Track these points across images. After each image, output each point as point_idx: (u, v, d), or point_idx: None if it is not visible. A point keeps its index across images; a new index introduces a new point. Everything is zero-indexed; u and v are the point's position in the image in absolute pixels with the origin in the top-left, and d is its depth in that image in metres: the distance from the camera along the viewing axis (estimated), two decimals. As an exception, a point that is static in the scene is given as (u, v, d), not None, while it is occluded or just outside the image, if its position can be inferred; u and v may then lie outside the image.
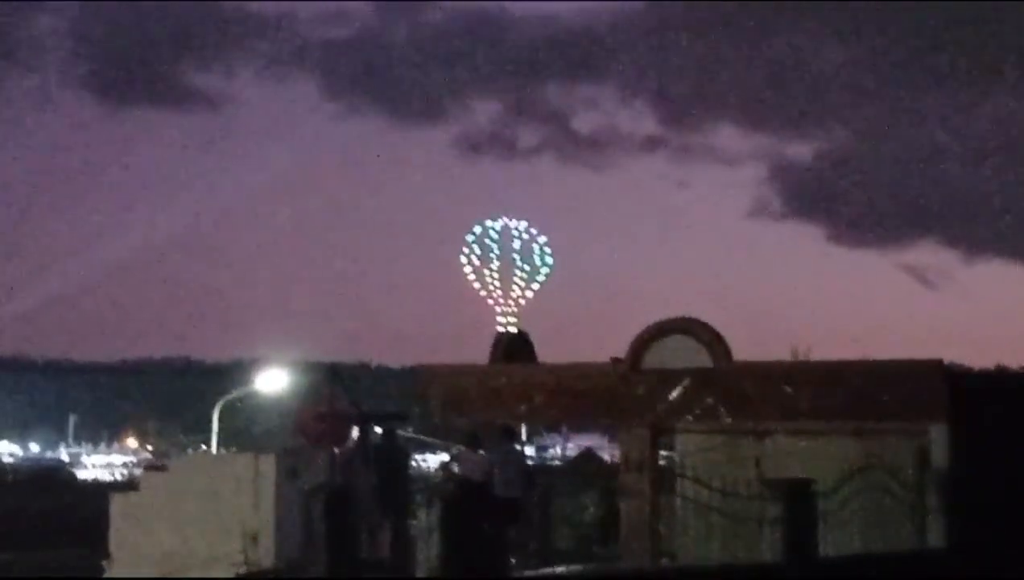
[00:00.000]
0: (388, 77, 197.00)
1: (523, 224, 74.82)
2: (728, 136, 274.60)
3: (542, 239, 74.84)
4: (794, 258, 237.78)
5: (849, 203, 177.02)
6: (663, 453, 20.45)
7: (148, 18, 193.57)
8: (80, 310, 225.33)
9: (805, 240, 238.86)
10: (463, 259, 74.17)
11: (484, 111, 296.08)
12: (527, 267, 74.24)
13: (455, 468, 19.20)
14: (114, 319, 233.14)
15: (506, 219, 75.15)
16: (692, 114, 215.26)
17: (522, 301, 74.56)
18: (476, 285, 74.31)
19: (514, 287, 74.48)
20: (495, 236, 74.39)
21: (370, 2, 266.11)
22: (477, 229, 74.45)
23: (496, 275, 74.11)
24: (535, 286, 74.65)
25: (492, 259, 74.29)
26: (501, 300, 74.20)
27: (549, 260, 74.56)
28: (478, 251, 74.03)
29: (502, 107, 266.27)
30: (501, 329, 71.66)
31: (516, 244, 74.53)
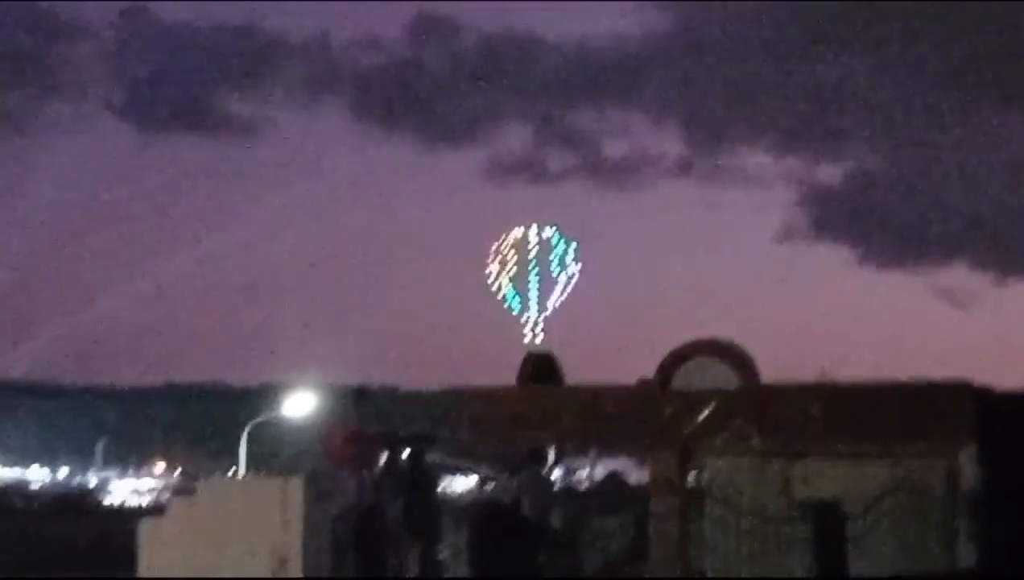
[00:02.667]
0: (420, 102, 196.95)
1: (548, 230, 74.62)
2: (758, 159, 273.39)
3: (572, 245, 74.57)
4: (824, 280, 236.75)
5: (880, 225, 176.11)
6: (692, 475, 20.39)
7: (183, 44, 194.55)
8: (109, 335, 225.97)
9: (835, 262, 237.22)
10: (490, 268, 74.08)
11: (515, 135, 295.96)
12: (555, 275, 74.02)
13: (491, 490, 19.26)
14: (142, 344, 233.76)
15: (536, 226, 74.92)
16: (722, 137, 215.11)
17: (549, 311, 74.35)
18: (502, 295, 74.17)
19: (541, 294, 74.30)
20: (524, 243, 74.21)
21: (402, 28, 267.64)
22: (504, 236, 74.33)
23: (529, 282, 73.93)
24: (564, 294, 74.40)
25: (520, 268, 74.09)
26: (529, 308, 73.99)
27: (577, 266, 74.26)
28: (506, 260, 73.91)
29: (533, 131, 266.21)
30: (527, 339, 71.64)
31: (544, 252, 74.37)
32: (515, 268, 74.26)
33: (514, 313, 74.15)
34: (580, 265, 75.38)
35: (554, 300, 74.74)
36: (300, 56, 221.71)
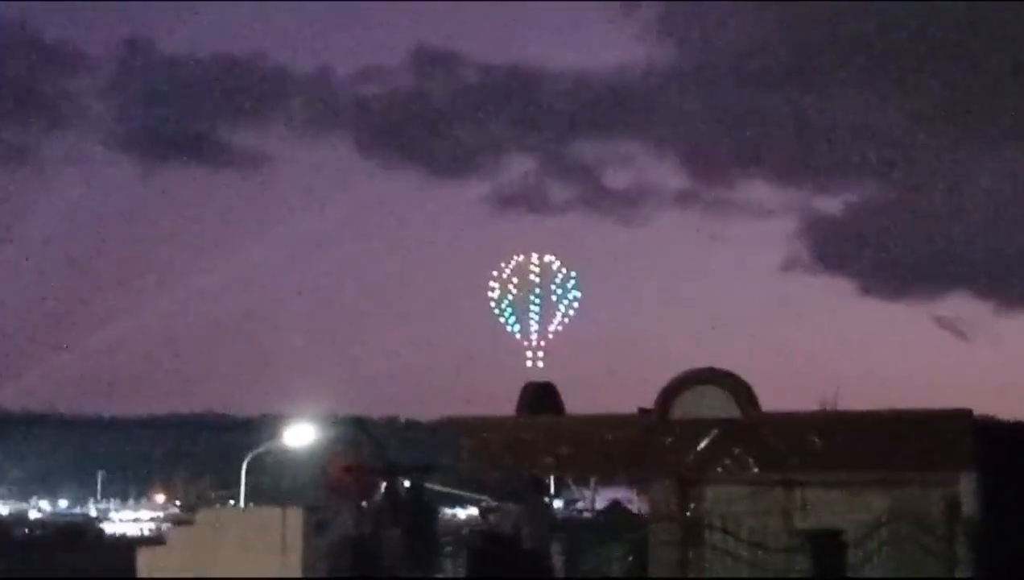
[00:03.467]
0: (422, 134, 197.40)
1: (549, 257, 74.97)
2: (760, 190, 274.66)
3: (572, 273, 74.83)
4: (826, 310, 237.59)
5: (881, 256, 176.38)
6: (691, 504, 20.37)
7: (185, 77, 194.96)
8: (109, 366, 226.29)
9: (836, 292, 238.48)
10: (492, 294, 74.21)
11: (518, 166, 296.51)
12: (556, 301, 74.18)
13: (492, 519, 19.21)
14: (143, 375, 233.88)
15: (536, 255, 75.25)
16: (723, 169, 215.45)
17: (551, 335, 74.53)
18: (503, 319, 74.30)
19: (543, 320, 74.44)
20: (525, 270, 74.39)
21: (404, 61, 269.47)
22: (506, 264, 74.57)
23: (530, 308, 74.04)
24: (564, 320, 74.59)
25: (521, 293, 74.26)
26: (531, 335, 74.10)
27: (577, 293, 74.47)
28: (508, 286, 74.09)
29: (535, 162, 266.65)
30: (528, 364, 71.69)
31: (545, 278, 74.58)
32: (516, 293, 74.55)
33: (516, 337, 74.32)
34: (580, 293, 75.73)
35: (554, 326, 74.99)
36: (303, 89, 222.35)
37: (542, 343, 74.62)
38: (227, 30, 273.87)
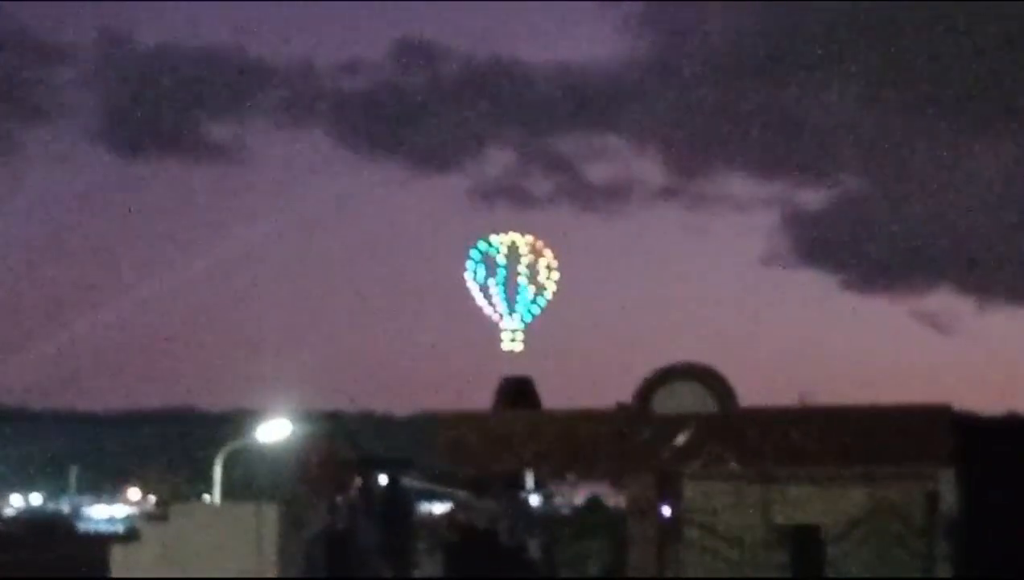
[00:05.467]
0: (402, 126, 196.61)
1: (528, 238, 74.69)
2: (741, 183, 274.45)
3: (548, 253, 74.51)
4: (806, 305, 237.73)
5: (862, 250, 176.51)
6: (669, 500, 20.29)
7: (163, 68, 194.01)
8: (83, 361, 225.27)
9: (817, 287, 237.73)
10: (468, 275, 73.90)
11: (498, 160, 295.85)
12: (532, 283, 73.94)
13: (460, 516, 19.13)
14: (117, 369, 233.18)
15: (515, 234, 74.90)
16: (704, 162, 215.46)
17: (527, 318, 74.32)
18: (480, 302, 74.07)
19: (519, 302, 74.25)
20: (501, 250, 74.09)
21: (385, 52, 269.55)
22: (482, 244, 74.27)
23: (505, 287, 73.73)
24: (541, 302, 74.37)
25: (497, 274, 73.95)
26: (506, 314, 73.82)
27: (555, 274, 74.15)
28: (483, 266, 73.77)
29: (516, 156, 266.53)
30: (505, 346, 71.50)
31: (522, 259, 74.31)
32: (496, 270, 74.26)
33: (493, 316, 74.11)
34: (559, 275, 75.61)
35: (533, 308, 74.85)
36: (282, 80, 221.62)
37: (520, 325, 74.53)
38: (206, 22, 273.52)
